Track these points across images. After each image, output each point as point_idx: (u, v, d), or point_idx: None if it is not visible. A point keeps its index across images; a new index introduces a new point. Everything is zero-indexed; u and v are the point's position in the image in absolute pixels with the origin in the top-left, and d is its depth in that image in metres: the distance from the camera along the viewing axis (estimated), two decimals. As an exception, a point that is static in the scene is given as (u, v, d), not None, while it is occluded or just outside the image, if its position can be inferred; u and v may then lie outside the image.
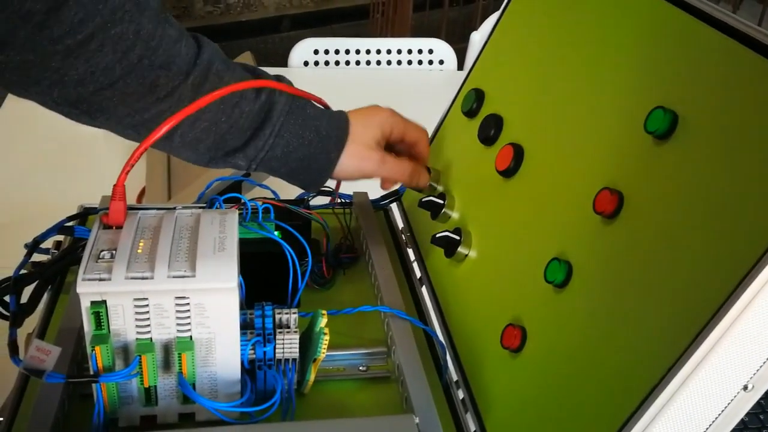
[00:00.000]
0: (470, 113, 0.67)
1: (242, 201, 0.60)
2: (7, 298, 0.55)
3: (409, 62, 1.75)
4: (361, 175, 0.62)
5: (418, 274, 0.70)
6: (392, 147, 0.65)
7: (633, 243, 0.45)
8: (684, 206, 0.42)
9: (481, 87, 0.68)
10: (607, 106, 0.51)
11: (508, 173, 0.59)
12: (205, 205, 0.58)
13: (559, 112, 0.56)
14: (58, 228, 0.61)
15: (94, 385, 0.46)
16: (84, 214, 0.67)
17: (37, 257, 0.62)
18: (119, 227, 0.48)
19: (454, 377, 0.58)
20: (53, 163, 1.15)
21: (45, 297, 0.61)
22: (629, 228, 0.46)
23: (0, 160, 1.21)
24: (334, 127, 0.59)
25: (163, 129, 0.47)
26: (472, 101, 0.67)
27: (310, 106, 0.59)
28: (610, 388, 0.43)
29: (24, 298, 0.58)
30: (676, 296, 0.41)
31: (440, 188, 0.66)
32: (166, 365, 0.47)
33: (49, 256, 0.64)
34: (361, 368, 0.57)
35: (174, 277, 0.45)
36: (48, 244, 0.63)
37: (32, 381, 0.51)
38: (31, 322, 0.58)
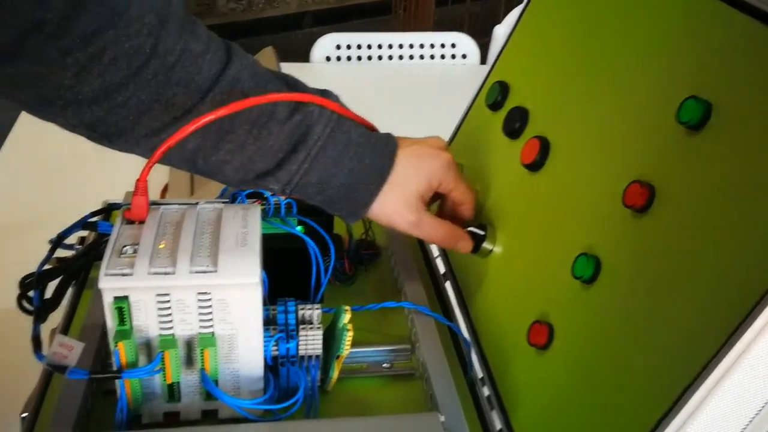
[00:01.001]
0: (494, 106, 0.66)
1: (265, 196, 0.59)
2: (31, 294, 0.55)
3: (432, 57, 1.74)
4: (391, 227, 0.57)
5: (442, 269, 0.69)
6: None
7: (664, 237, 0.44)
8: (718, 199, 0.41)
9: (506, 79, 0.66)
10: (637, 97, 0.50)
11: (533, 167, 0.58)
12: (227, 200, 0.58)
13: (586, 103, 0.55)
14: (82, 223, 0.61)
15: (117, 381, 0.46)
16: (108, 210, 0.67)
17: (61, 253, 0.62)
18: (142, 222, 0.48)
19: (479, 374, 0.57)
20: (77, 159, 1.16)
21: (69, 292, 0.61)
22: (660, 222, 0.44)
23: (25, 156, 1.22)
24: (378, 157, 0.53)
25: (191, 128, 0.46)
26: (496, 94, 0.66)
27: (355, 129, 0.53)
28: (642, 387, 0.42)
29: (48, 294, 0.58)
30: (709, 292, 0.40)
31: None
32: (189, 361, 0.47)
33: (74, 252, 0.64)
34: (384, 365, 0.56)
35: (196, 272, 0.45)
36: (72, 239, 0.63)
37: (56, 377, 0.51)
38: (55, 318, 0.58)
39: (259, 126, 0.49)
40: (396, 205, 0.54)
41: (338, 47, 1.70)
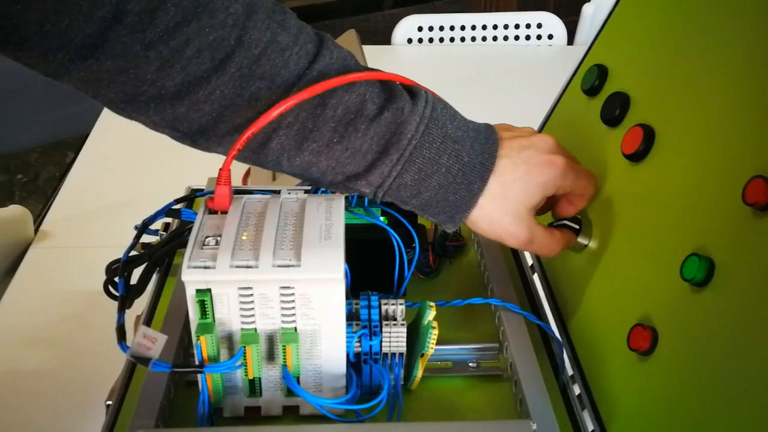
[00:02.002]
0: (591, 91, 0.62)
1: (348, 185, 0.57)
2: (116, 279, 0.56)
3: (516, 38, 1.68)
4: (496, 240, 0.52)
5: (530, 260, 0.66)
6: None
7: (791, 239, 0.39)
8: None
9: (604, 63, 0.62)
10: (757, 83, 0.45)
11: (636, 157, 0.54)
12: (309, 187, 0.56)
13: (698, 89, 0.50)
14: (165, 210, 0.61)
15: (199, 375, 0.45)
16: (191, 197, 0.67)
17: (146, 238, 0.62)
18: (224, 212, 0.47)
19: (569, 372, 0.53)
20: (162, 144, 1.17)
21: (153, 279, 0.61)
22: (787, 222, 0.40)
23: (111, 141, 1.25)
24: (478, 153, 0.48)
25: (274, 113, 0.44)
26: (593, 78, 0.62)
27: (451, 122, 0.48)
28: (761, 404, 0.38)
29: (133, 278, 0.58)
30: None
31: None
32: (271, 357, 0.46)
33: (158, 238, 0.65)
34: (471, 364, 0.53)
35: (279, 266, 0.43)
36: (157, 224, 0.63)
37: (139, 366, 0.51)
38: (140, 303, 0.58)
39: (344, 124, 0.46)
40: (504, 221, 0.49)
41: (420, 29, 1.66)
